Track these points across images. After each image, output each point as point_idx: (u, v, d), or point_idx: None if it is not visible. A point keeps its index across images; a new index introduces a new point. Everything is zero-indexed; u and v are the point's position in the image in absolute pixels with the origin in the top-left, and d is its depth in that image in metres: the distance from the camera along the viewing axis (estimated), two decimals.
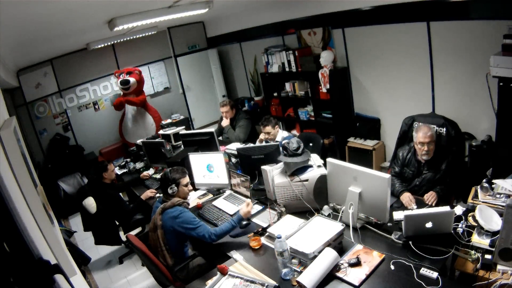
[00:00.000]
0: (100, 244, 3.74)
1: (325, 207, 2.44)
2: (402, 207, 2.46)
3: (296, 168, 2.47)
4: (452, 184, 2.64)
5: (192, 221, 2.38)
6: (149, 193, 3.44)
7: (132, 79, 5.45)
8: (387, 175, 2.04)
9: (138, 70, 5.67)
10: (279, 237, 1.89)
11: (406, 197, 2.49)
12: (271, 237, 2.25)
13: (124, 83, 5.42)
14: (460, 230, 2.03)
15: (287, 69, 4.95)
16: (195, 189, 3.28)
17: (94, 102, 5.93)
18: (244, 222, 2.48)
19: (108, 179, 3.63)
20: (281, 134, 3.69)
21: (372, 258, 1.93)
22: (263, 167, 2.66)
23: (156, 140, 4.13)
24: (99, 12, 2.77)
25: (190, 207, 2.67)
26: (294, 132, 5.18)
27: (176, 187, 2.55)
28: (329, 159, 2.35)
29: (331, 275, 1.84)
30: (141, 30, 4.90)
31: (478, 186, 2.29)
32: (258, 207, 2.73)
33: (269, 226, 2.42)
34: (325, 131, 4.67)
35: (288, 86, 5.16)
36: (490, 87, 2.76)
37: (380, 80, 4.13)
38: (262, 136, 3.73)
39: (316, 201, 2.44)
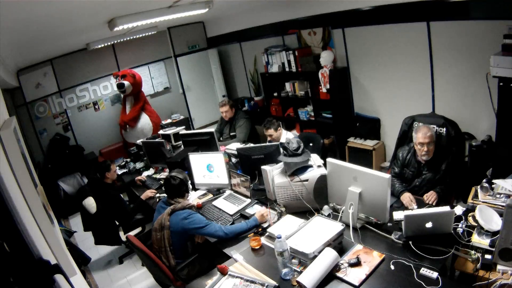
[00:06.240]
0: (100, 244, 3.73)
1: (325, 207, 2.44)
2: (402, 207, 2.46)
3: (296, 168, 2.47)
4: (452, 184, 2.64)
5: (202, 220, 2.45)
6: (149, 193, 3.45)
7: (126, 83, 5.43)
8: (387, 175, 2.04)
9: (132, 72, 5.60)
10: (279, 237, 1.89)
11: (407, 197, 2.49)
12: (271, 237, 2.25)
13: (119, 86, 5.46)
14: (460, 230, 2.03)
15: (287, 69, 4.95)
16: (195, 189, 3.28)
17: (94, 102, 5.93)
18: (259, 228, 2.47)
19: (110, 179, 3.63)
20: (285, 135, 3.66)
21: (372, 258, 1.93)
22: (263, 167, 2.66)
23: (156, 140, 4.13)
24: (99, 12, 2.77)
25: None
26: (294, 132, 5.18)
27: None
28: (329, 159, 2.35)
29: (331, 275, 1.84)
30: (141, 30, 4.89)
31: (478, 186, 2.29)
32: (258, 207, 2.73)
33: (269, 226, 2.42)
34: (325, 131, 4.68)
35: (288, 86, 5.16)
36: (490, 87, 2.76)
37: (380, 80, 4.13)
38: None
39: (316, 201, 2.44)
